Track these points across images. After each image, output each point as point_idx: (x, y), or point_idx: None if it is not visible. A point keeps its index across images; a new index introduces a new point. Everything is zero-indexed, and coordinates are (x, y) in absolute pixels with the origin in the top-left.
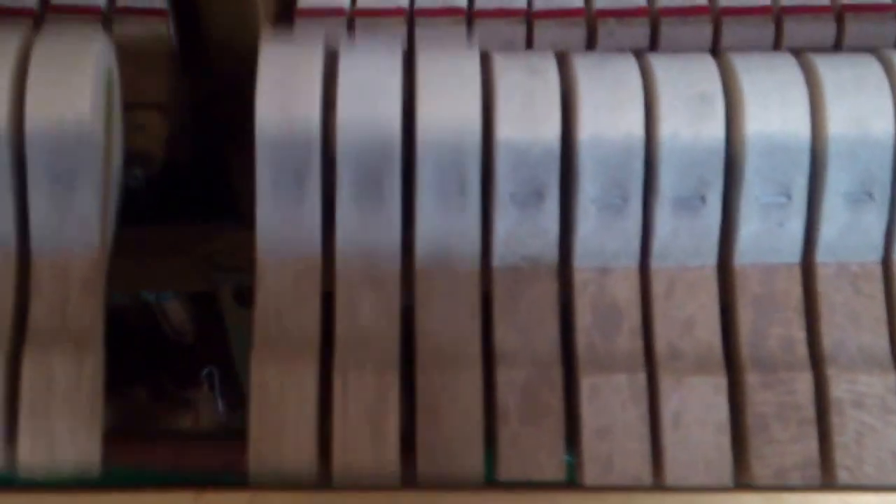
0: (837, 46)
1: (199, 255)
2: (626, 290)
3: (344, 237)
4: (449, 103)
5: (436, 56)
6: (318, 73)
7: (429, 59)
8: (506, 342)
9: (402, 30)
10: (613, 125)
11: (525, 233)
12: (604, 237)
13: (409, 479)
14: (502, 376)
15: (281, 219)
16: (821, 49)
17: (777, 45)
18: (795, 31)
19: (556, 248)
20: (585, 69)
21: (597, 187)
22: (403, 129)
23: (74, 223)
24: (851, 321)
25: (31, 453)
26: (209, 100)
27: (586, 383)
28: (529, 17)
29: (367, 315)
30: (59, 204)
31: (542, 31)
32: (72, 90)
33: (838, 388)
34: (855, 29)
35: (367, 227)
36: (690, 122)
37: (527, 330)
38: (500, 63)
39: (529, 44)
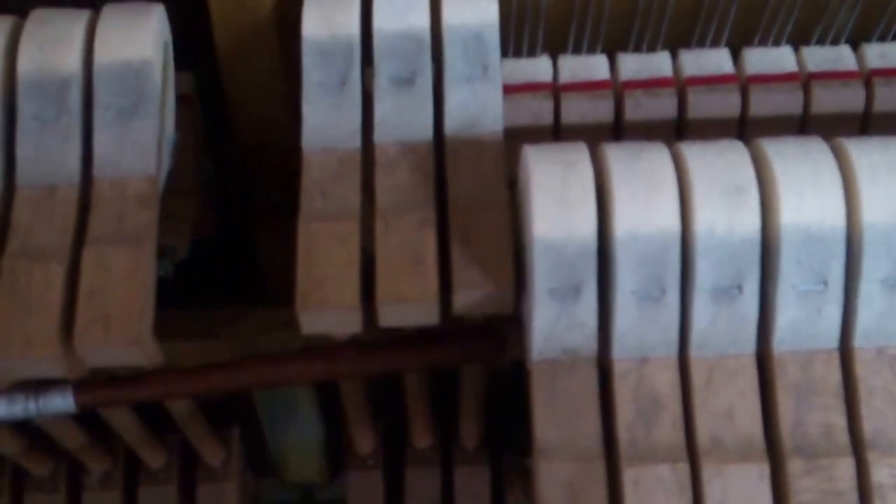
0: (867, 110)
1: (226, 337)
2: (665, 381)
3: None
4: None
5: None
6: None
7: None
8: (547, 437)
9: None
10: (649, 219)
11: (563, 326)
12: (642, 329)
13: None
14: (544, 472)
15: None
16: (850, 114)
17: (806, 112)
18: (824, 96)
19: (594, 341)
20: (619, 161)
21: (634, 280)
22: None
23: (133, 148)
24: (891, 405)
25: (87, 334)
26: (236, 182)
27: (629, 475)
28: (556, 91)
29: (404, 174)
30: (121, 131)
31: (570, 103)
32: (137, 35)
33: (879, 473)
34: (885, 93)
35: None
36: (726, 214)
37: (567, 423)
38: (532, 157)
39: (557, 117)
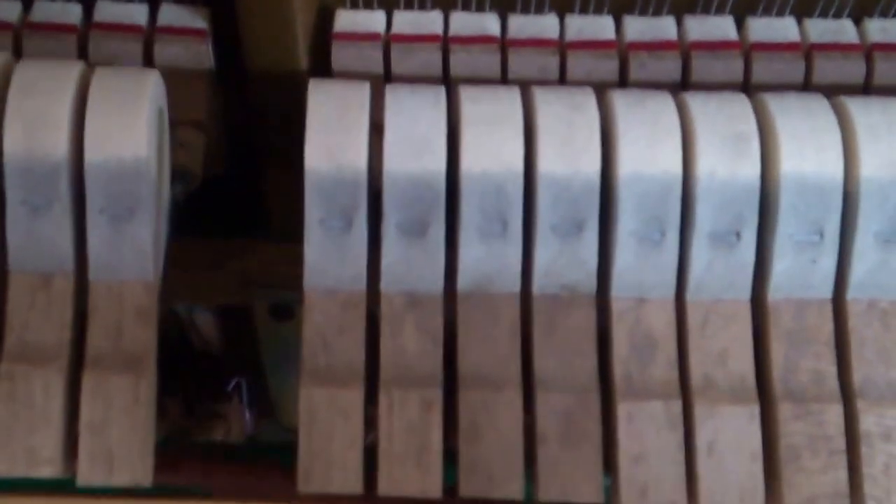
0: (867, 83)
1: (233, 269)
2: (662, 321)
3: (389, 270)
4: (492, 138)
5: (478, 93)
6: (365, 118)
7: (471, 96)
8: (545, 368)
9: (437, 56)
10: (652, 162)
11: (565, 263)
12: (641, 269)
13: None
14: (542, 402)
15: (328, 255)
16: (851, 86)
17: (807, 81)
18: (825, 67)
19: (594, 279)
20: (625, 106)
21: (635, 221)
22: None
23: (130, 253)
24: (881, 356)
25: (89, 469)
26: (246, 117)
27: (623, 410)
28: (562, 48)
29: (411, 339)
30: (115, 234)
31: (575, 61)
32: (129, 128)
33: (867, 421)
34: (884, 67)
35: (410, 261)
36: (727, 161)
37: (565, 357)
38: (541, 98)
39: (562, 74)
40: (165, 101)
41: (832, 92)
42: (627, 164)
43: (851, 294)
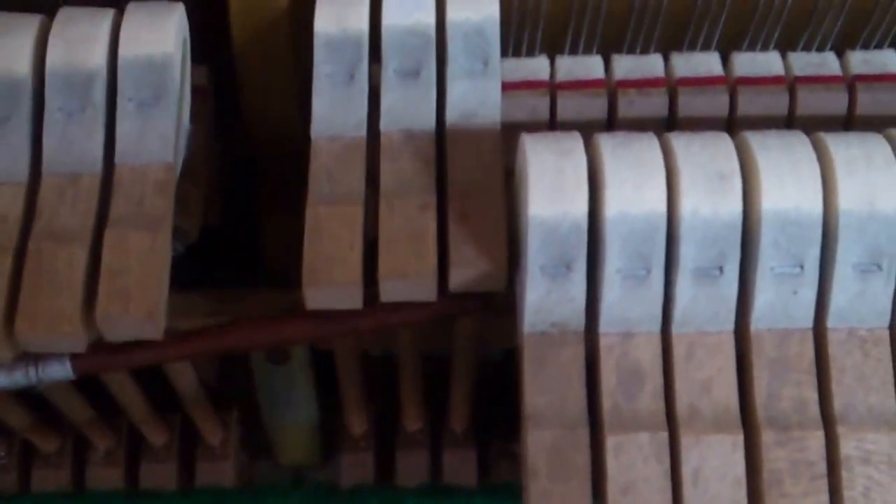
0: (850, 114)
1: (234, 316)
2: (648, 354)
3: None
4: None
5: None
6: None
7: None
8: (535, 405)
9: None
10: (638, 202)
11: (554, 301)
12: (628, 305)
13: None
14: (532, 437)
15: (333, 105)
16: (834, 117)
17: (791, 114)
18: (809, 99)
19: (582, 316)
20: (611, 149)
21: (622, 259)
22: None
23: (154, 137)
24: (860, 383)
25: (107, 304)
26: (242, 164)
27: (611, 442)
28: (553, 88)
29: (407, 160)
30: (142, 122)
31: (565, 100)
32: (158, 30)
33: (847, 446)
34: (867, 98)
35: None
36: (709, 199)
37: (555, 393)
38: (530, 145)
39: (553, 113)
40: (188, 33)
41: (816, 123)
42: (614, 204)
43: (832, 323)
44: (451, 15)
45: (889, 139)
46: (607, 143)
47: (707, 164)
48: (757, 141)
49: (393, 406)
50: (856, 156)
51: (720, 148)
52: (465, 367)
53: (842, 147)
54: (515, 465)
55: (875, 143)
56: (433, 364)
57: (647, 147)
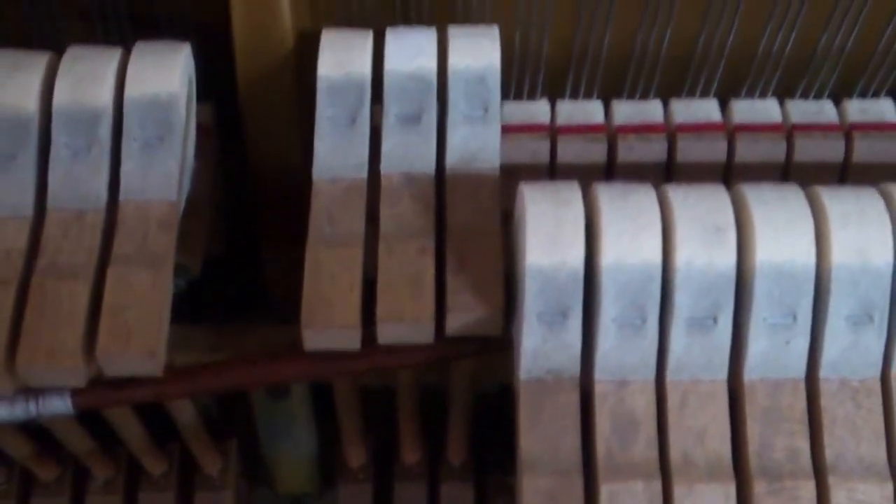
0: (846, 161)
1: (234, 352)
2: (643, 402)
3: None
4: None
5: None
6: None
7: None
8: (531, 451)
9: None
10: (634, 252)
11: (550, 348)
12: (623, 353)
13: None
14: (527, 483)
15: (335, 147)
16: (830, 164)
17: (788, 161)
18: (806, 147)
19: (578, 363)
20: (608, 200)
21: (617, 308)
22: None
23: (158, 175)
24: (852, 433)
25: (108, 344)
26: (244, 200)
27: (605, 490)
28: (553, 132)
29: (407, 203)
30: (147, 160)
31: (565, 144)
32: (165, 70)
33: (839, 496)
34: (863, 146)
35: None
36: (705, 250)
37: (550, 440)
38: (528, 194)
39: (553, 156)
40: (194, 73)
41: (813, 170)
42: (611, 254)
43: (824, 373)
44: (453, 62)
45: (883, 194)
46: (605, 194)
47: (703, 216)
48: (753, 194)
49: (391, 438)
50: (849, 210)
51: (716, 200)
52: (463, 402)
53: (836, 201)
54: (512, 499)
55: (868, 198)
56: (431, 395)
57: (644, 198)
